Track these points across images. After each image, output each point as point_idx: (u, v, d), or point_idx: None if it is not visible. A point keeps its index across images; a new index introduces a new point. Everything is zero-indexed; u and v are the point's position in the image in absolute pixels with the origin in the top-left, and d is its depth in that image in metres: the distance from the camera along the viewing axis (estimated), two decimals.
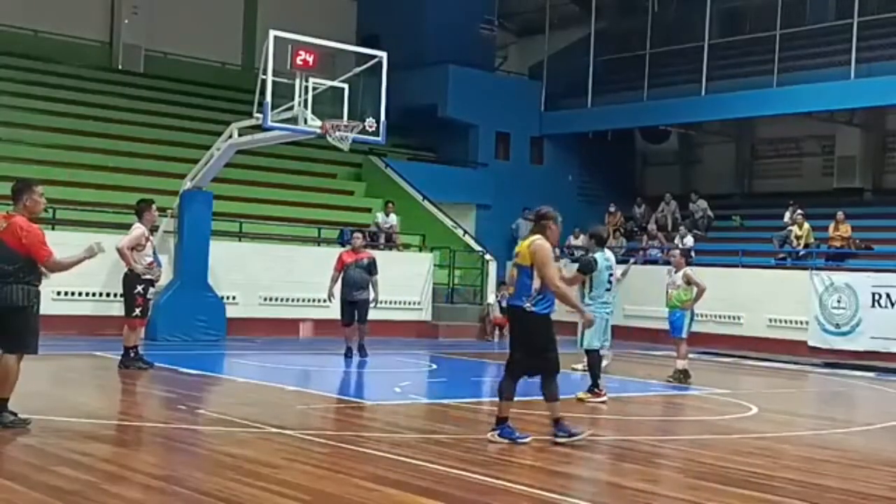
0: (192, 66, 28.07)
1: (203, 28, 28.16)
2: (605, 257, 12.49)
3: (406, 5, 28.89)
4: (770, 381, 16.81)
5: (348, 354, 16.18)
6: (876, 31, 24.05)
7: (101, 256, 18.92)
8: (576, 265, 13.11)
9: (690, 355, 19.88)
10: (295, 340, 19.17)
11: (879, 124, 26.83)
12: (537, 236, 9.05)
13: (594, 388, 12.09)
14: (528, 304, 8.86)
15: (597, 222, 27.27)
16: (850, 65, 23.23)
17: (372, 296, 16.24)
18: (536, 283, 8.84)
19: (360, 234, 16.89)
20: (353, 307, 16.09)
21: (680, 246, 24.91)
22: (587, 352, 12.42)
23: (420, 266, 22.27)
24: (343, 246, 22.24)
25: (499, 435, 8.89)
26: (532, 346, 8.99)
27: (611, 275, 12.56)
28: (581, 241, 24.90)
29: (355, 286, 16.06)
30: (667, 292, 15.10)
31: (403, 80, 22.78)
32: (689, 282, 14.88)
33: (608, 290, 12.53)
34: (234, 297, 19.47)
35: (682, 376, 14.74)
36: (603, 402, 11.90)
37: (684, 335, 14.92)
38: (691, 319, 15.07)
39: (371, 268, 16.21)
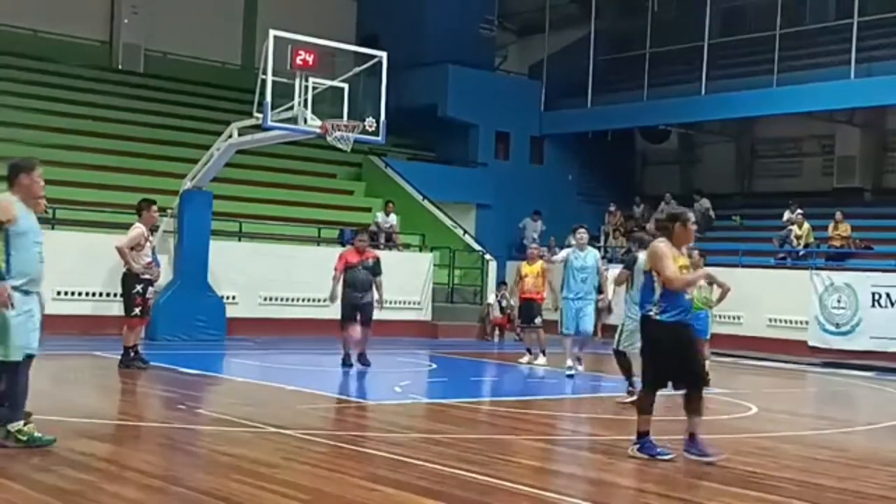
0: (192, 66, 28.07)
1: (203, 28, 28.15)
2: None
3: (406, 5, 28.90)
4: (770, 380, 16.82)
5: (346, 362, 15.13)
6: (876, 31, 24.05)
7: (101, 256, 19.03)
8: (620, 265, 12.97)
9: None
10: (295, 340, 19.15)
11: (879, 124, 26.83)
12: (659, 239, 8.67)
13: (630, 389, 11.86)
14: (653, 312, 8.49)
15: (597, 222, 27.40)
16: (850, 65, 23.22)
17: (376, 297, 15.32)
18: (659, 289, 8.43)
19: (366, 233, 16.29)
20: (356, 310, 15.09)
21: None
22: (616, 353, 12.11)
23: (420, 266, 22.28)
24: (343, 246, 22.27)
25: (639, 450, 8.40)
26: (661, 355, 8.50)
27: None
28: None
29: (360, 288, 15.08)
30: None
31: (403, 80, 22.80)
32: (711, 282, 14.82)
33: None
34: (234, 297, 19.48)
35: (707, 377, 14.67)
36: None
37: (708, 336, 14.81)
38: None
39: (376, 268, 15.23)
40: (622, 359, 12.07)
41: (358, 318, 15.08)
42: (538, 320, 16.81)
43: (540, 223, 26.95)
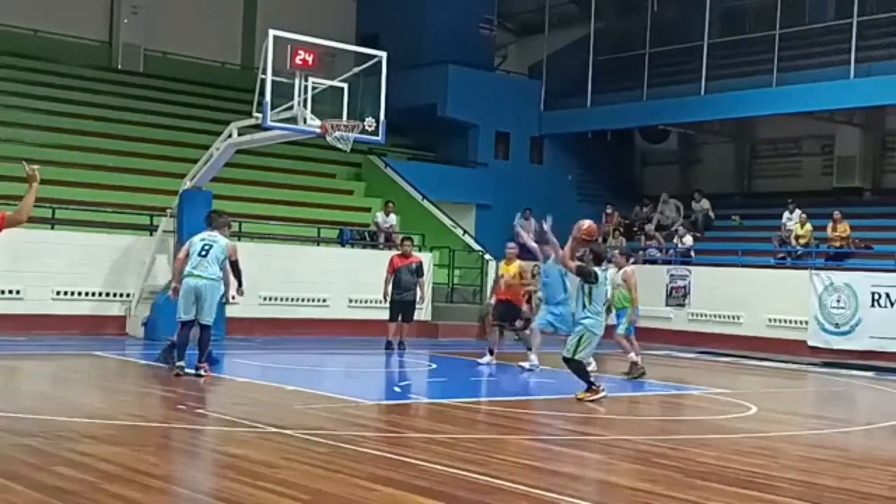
0: (192, 66, 28.07)
1: (203, 28, 28.15)
2: (604, 273, 12.48)
3: (406, 5, 28.89)
4: (770, 380, 16.82)
5: (389, 347, 17.87)
6: (876, 31, 24.05)
7: (101, 256, 19.04)
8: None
9: (689, 355, 20.00)
10: (295, 340, 19.17)
11: (879, 124, 26.83)
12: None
13: (591, 388, 12.08)
14: None
15: (596, 222, 27.34)
16: (850, 65, 23.22)
17: (419, 295, 18.26)
18: None
19: (410, 240, 18.93)
20: (402, 307, 17.97)
21: (679, 245, 24.92)
22: (567, 360, 12.19)
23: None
24: (343, 246, 22.37)
25: None
26: None
27: (607, 291, 12.52)
28: None
29: (406, 288, 17.95)
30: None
31: (403, 79, 22.77)
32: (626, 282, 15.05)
33: (605, 303, 12.51)
34: (233, 297, 19.41)
35: (637, 369, 14.84)
36: (603, 397, 11.92)
37: (628, 332, 14.96)
38: (636, 317, 15.26)
39: (419, 270, 18.19)
40: (579, 365, 12.15)
41: (399, 314, 17.99)
42: (519, 323, 16.58)
43: (533, 221, 26.89)
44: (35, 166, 8.02)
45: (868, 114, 25.99)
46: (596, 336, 12.13)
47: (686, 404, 13.27)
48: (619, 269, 15.31)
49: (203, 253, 13.08)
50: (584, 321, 12.07)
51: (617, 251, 16.09)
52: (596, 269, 12.30)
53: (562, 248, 13.02)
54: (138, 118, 24.40)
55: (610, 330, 13.74)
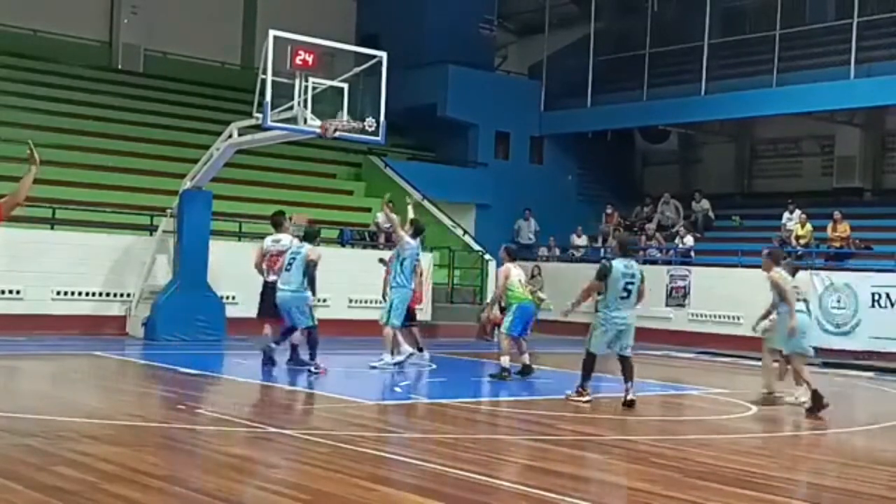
0: (192, 66, 28.06)
1: (203, 28, 28.15)
2: (624, 265, 11.89)
3: (406, 5, 28.89)
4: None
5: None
6: (876, 31, 24.07)
7: (101, 256, 19.03)
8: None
9: (689, 355, 20.00)
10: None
11: (879, 124, 26.84)
12: None
13: (580, 388, 12.06)
14: None
15: (596, 222, 27.39)
16: (850, 65, 23.23)
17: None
18: None
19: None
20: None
21: (679, 246, 24.92)
22: (587, 353, 12.27)
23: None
24: (343, 246, 22.38)
25: None
26: None
27: (628, 283, 11.77)
28: (583, 240, 25.30)
29: None
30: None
31: (403, 79, 22.78)
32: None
33: (624, 298, 11.77)
34: (234, 297, 19.44)
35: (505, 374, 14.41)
36: (587, 403, 11.87)
37: (511, 331, 14.56)
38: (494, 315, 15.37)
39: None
40: (588, 360, 12.08)
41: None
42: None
43: (533, 222, 26.96)
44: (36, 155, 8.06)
45: (868, 114, 26.00)
46: (605, 328, 11.82)
47: (685, 404, 13.28)
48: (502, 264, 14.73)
49: (288, 267, 13.90)
50: (597, 314, 12.10)
51: (503, 248, 15.28)
52: (614, 261, 11.98)
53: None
54: (138, 118, 24.40)
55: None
